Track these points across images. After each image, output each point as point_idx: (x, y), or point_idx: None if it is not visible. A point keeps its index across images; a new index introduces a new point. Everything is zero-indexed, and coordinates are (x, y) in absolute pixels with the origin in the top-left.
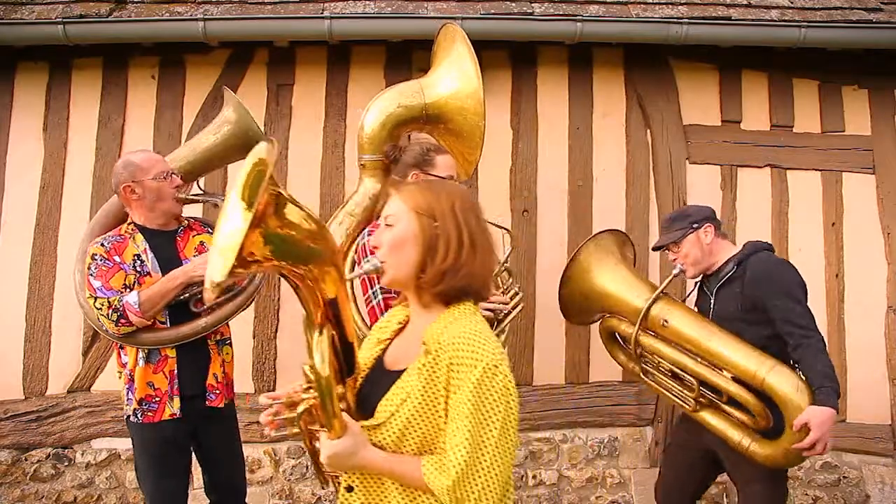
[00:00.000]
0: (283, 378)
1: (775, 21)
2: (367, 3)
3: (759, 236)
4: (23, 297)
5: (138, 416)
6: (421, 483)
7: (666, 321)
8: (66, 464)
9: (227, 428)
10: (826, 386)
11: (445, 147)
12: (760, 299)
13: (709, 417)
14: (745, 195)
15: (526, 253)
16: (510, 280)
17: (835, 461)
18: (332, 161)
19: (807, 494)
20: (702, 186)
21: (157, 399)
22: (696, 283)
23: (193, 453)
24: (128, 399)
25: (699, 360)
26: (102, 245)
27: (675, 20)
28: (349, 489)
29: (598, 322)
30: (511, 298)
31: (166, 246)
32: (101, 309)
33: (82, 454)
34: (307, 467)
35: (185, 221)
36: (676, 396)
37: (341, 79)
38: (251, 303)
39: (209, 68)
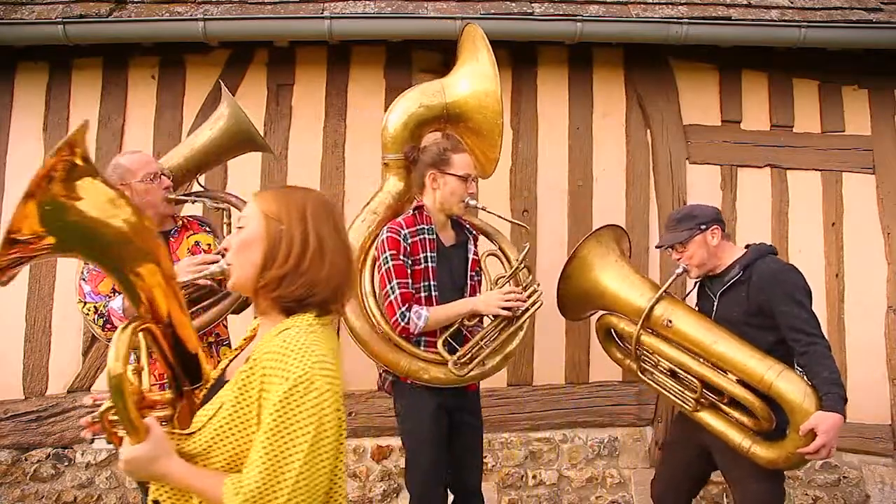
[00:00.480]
0: None
1: (775, 21)
2: (367, 3)
3: (759, 236)
4: (23, 297)
5: None
6: (221, 502)
7: (670, 321)
8: (66, 464)
9: None
10: (833, 392)
11: (466, 146)
12: (767, 304)
13: (708, 418)
14: (745, 195)
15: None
16: (529, 277)
17: (835, 461)
18: (332, 161)
19: (807, 494)
20: (702, 186)
21: None
22: (695, 282)
23: None
24: None
25: (702, 361)
26: None
27: (675, 20)
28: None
29: (596, 319)
30: (529, 296)
31: None
32: (87, 314)
33: (82, 454)
34: None
35: (181, 221)
36: (675, 396)
37: (341, 79)
38: (247, 306)
39: (209, 68)
